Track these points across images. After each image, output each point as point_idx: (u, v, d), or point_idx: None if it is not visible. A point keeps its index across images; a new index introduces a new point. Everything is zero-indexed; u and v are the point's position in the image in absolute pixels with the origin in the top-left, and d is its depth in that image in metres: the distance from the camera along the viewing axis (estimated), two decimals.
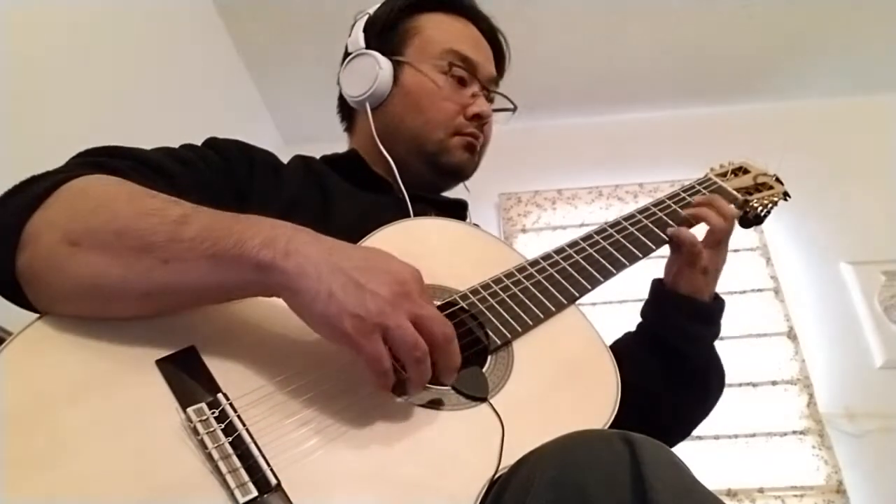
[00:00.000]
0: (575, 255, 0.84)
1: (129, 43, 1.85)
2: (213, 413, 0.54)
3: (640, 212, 0.93)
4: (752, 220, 1.00)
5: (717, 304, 0.90)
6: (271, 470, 0.51)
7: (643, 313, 0.93)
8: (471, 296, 0.75)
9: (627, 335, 0.93)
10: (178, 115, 2.04)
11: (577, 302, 0.80)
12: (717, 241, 0.89)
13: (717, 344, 0.91)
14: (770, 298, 2.59)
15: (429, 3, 1.00)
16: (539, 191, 2.92)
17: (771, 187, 1.01)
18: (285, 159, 0.95)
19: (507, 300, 0.76)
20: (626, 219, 0.91)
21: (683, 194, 0.97)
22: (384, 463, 0.56)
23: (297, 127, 2.93)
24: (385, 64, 0.95)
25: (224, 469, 0.50)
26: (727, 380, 0.92)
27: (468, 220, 1.01)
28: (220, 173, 0.80)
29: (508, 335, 0.72)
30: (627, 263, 0.85)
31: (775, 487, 2.26)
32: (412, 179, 0.94)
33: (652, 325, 0.91)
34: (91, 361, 0.56)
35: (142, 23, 1.93)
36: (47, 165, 0.66)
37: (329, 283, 0.55)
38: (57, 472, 0.48)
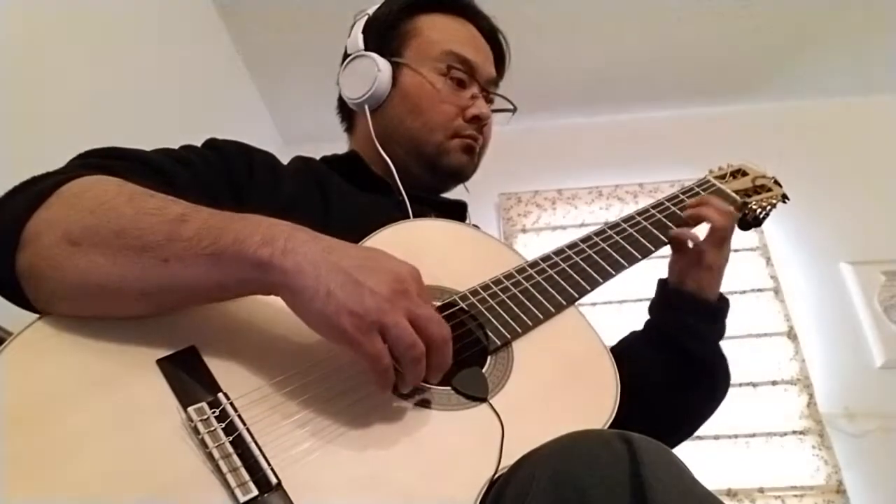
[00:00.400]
0: (574, 256, 0.84)
1: (129, 43, 1.85)
2: (213, 412, 0.54)
3: (639, 213, 0.93)
4: (750, 222, 1.01)
5: (724, 304, 0.91)
6: (272, 469, 0.51)
7: (650, 312, 0.94)
8: (470, 297, 0.75)
9: (634, 333, 0.94)
10: (178, 115, 2.04)
11: (577, 303, 0.80)
12: (721, 239, 0.89)
13: None
14: (770, 298, 2.60)
15: (428, 4, 1.00)
16: (539, 191, 2.92)
17: (769, 189, 1.01)
18: (285, 159, 0.95)
19: (507, 301, 0.76)
20: (625, 220, 0.92)
21: (682, 196, 0.97)
22: (384, 462, 0.56)
23: (297, 127, 2.93)
24: (384, 66, 0.95)
25: (224, 468, 0.51)
26: None
27: (468, 221, 1.01)
28: (220, 174, 0.80)
29: (508, 336, 0.72)
30: (626, 265, 0.85)
31: (775, 487, 2.26)
32: (412, 181, 0.94)
33: (660, 324, 0.91)
34: (92, 361, 0.56)
35: (142, 23, 1.93)
36: (48, 166, 0.66)
37: (327, 281, 0.55)
38: (58, 471, 0.49)
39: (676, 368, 0.87)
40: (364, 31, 1.00)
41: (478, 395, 0.64)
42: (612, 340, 0.93)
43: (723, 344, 0.91)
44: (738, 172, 1.05)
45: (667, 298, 0.92)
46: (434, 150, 0.94)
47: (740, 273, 2.56)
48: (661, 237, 0.90)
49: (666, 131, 2.95)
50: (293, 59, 2.63)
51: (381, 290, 0.56)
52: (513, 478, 0.54)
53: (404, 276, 0.58)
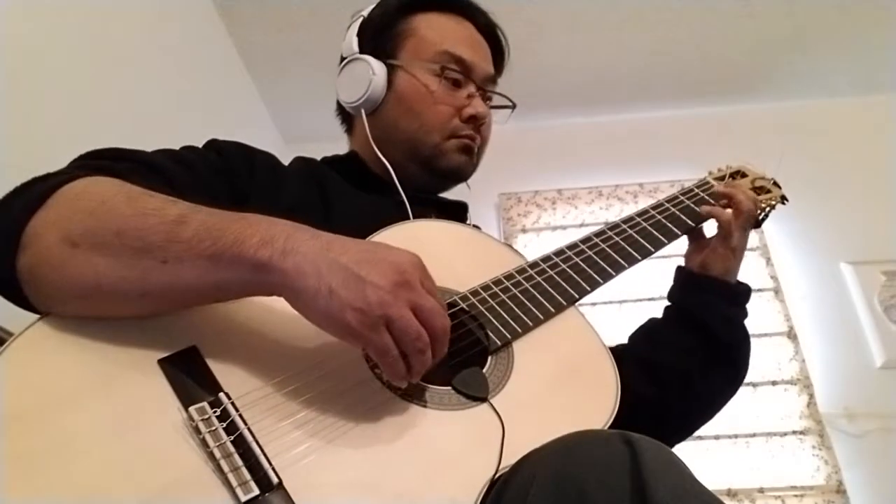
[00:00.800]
0: (574, 257, 0.85)
1: (129, 43, 1.85)
2: (214, 412, 0.54)
3: (639, 214, 0.94)
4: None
5: (746, 287, 0.93)
6: (273, 469, 0.52)
7: (672, 297, 0.94)
8: (471, 297, 0.75)
9: (655, 319, 0.94)
10: (179, 115, 2.04)
11: (578, 303, 0.80)
12: (746, 221, 0.93)
13: None
14: (770, 298, 2.60)
15: (423, 3, 0.99)
16: (539, 191, 2.92)
17: (769, 191, 1.02)
18: (285, 159, 0.95)
19: (507, 301, 0.76)
20: (625, 221, 0.92)
21: (682, 197, 0.97)
22: (385, 462, 0.57)
23: (297, 127, 2.93)
24: (378, 69, 0.94)
25: (226, 468, 0.51)
26: None
27: (468, 221, 1.01)
28: (221, 175, 0.80)
29: (508, 336, 0.72)
30: (626, 265, 0.86)
31: (775, 487, 2.26)
32: (411, 182, 0.93)
33: (687, 307, 0.91)
34: (93, 361, 0.56)
35: (142, 23, 1.93)
36: (48, 166, 0.66)
37: (328, 279, 0.55)
38: (59, 471, 0.49)
39: (704, 350, 0.87)
40: (359, 34, 0.99)
41: (478, 395, 0.65)
42: (613, 341, 0.93)
43: None
44: (738, 174, 1.05)
45: (694, 282, 0.92)
46: (431, 151, 0.94)
47: (740, 273, 2.55)
48: (661, 238, 0.90)
49: (666, 131, 2.95)
50: (293, 59, 2.63)
51: (382, 283, 0.55)
52: (513, 478, 0.54)
53: (405, 266, 0.58)
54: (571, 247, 0.86)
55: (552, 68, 2.77)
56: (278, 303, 0.58)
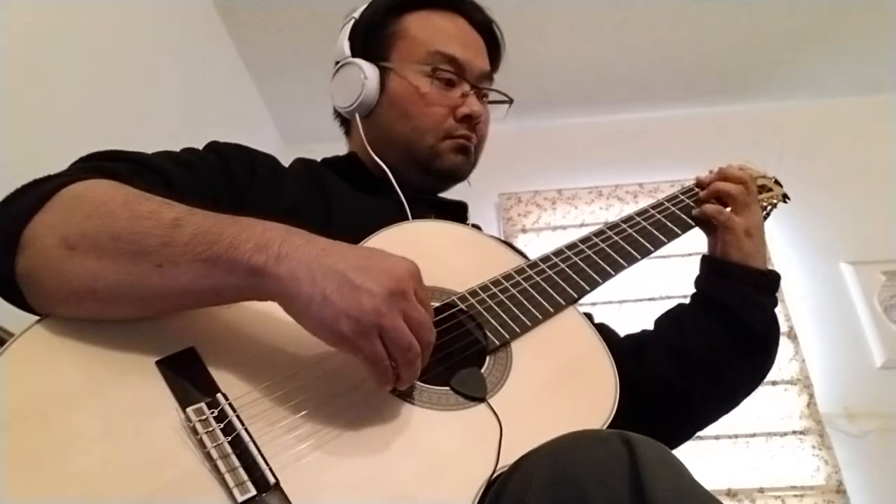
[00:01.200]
0: (573, 257, 0.85)
1: (129, 43, 1.85)
2: (212, 413, 0.54)
3: (638, 214, 0.94)
4: None
5: (775, 275, 0.91)
6: (270, 469, 0.52)
7: (698, 285, 0.93)
8: (469, 297, 0.75)
9: (682, 305, 0.93)
10: (179, 116, 2.04)
11: (577, 303, 0.80)
12: (744, 204, 0.91)
13: None
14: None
15: (413, 1, 0.97)
16: (539, 191, 2.92)
17: (770, 189, 1.02)
18: (285, 159, 0.95)
19: (506, 302, 0.76)
20: (624, 221, 0.92)
21: (682, 196, 0.97)
22: (383, 462, 0.57)
23: (297, 127, 2.93)
24: (370, 72, 0.93)
25: (223, 468, 0.51)
26: None
27: (468, 221, 1.01)
28: (221, 177, 0.80)
29: (507, 336, 0.72)
30: (626, 265, 0.86)
31: (775, 487, 2.26)
32: (409, 183, 0.93)
33: (711, 294, 0.90)
34: (91, 362, 0.56)
35: (142, 23, 1.93)
36: (48, 168, 0.66)
37: (323, 286, 0.55)
38: (57, 471, 0.49)
39: (734, 336, 0.86)
40: (350, 37, 0.98)
41: (476, 395, 0.65)
42: (632, 332, 0.93)
43: None
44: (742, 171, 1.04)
45: (716, 269, 0.91)
46: (426, 154, 0.93)
47: None
48: (661, 237, 0.90)
49: (666, 131, 2.95)
50: (293, 59, 2.63)
51: (377, 291, 0.55)
52: (511, 478, 0.54)
53: (401, 274, 0.58)
54: (570, 247, 0.86)
55: (552, 68, 2.77)
56: (276, 304, 0.58)
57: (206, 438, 0.52)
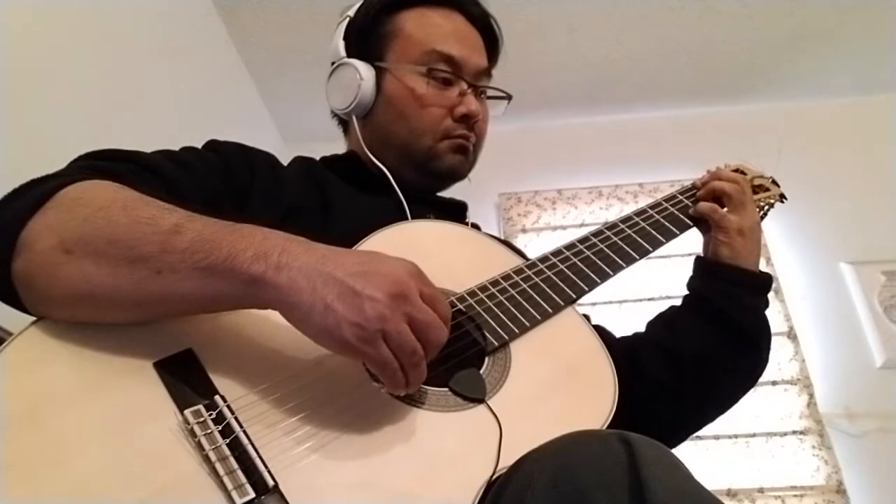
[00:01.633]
0: (572, 257, 0.84)
1: (128, 43, 1.85)
2: (210, 415, 0.54)
3: (637, 214, 0.94)
4: None
5: (767, 277, 0.92)
6: (269, 471, 0.52)
7: (690, 286, 0.93)
8: (468, 298, 0.75)
9: (674, 307, 0.93)
10: (178, 115, 2.04)
11: (577, 302, 0.80)
12: (739, 203, 0.92)
13: None
14: (770, 298, 2.59)
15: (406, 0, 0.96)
16: (539, 191, 2.92)
17: (767, 189, 1.02)
18: (285, 159, 0.94)
19: (505, 302, 0.76)
20: (623, 221, 0.92)
21: (680, 196, 0.97)
22: (382, 464, 0.56)
23: (297, 127, 2.93)
24: (366, 73, 0.93)
25: (221, 471, 0.51)
26: None
27: (467, 220, 1.00)
28: (221, 176, 0.80)
29: (506, 337, 0.72)
30: (624, 265, 0.86)
31: (775, 487, 2.26)
32: (408, 183, 0.93)
33: (703, 295, 0.90)
34: (88, 364, 0.56)
35: (142, 23, 1.93)
36: (48, 167, 0.66)
37: (324, 294, 0.54)
38: (56, 473, 0.49)
39: (724, 338, 0.87)
40: (345, 37, 0.97)
41: (475, 396, 0.65)
42: (625, 335, 0.93)
43: None
44: (736, 172, 1.05)
45: (708, 270, 0.92)
46: (424, 154, 0.92)
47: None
48: (659, 237, 0.90)
49: (666, 131, 2.95)
50: (293, 59, 2.63)
51: (379, 296, 0.55)
52: (511, 478, 0.54)
53: (402, 277, 0.57)
54: (569, 247, 0.86)
55: (552, 68, 2.77)
56: None
57: (204, 441, 0.52)
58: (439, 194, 1.00)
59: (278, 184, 0.85)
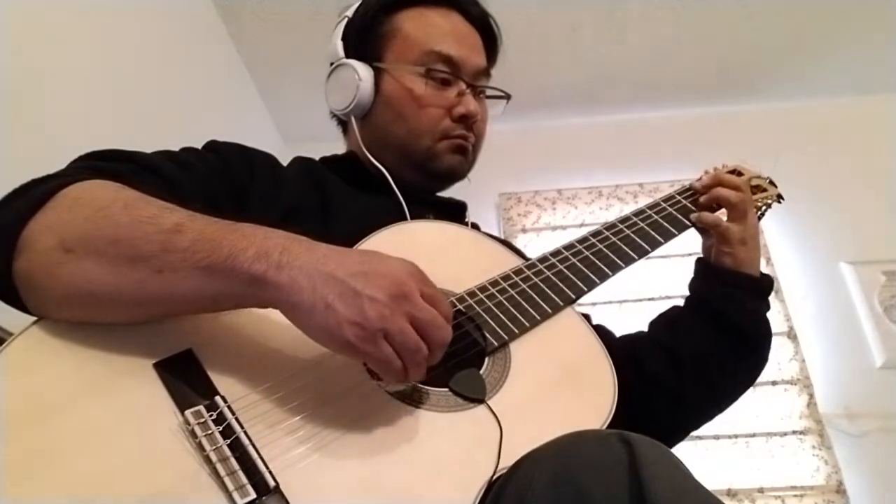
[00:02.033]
0: (571, 257, 0.84)
1: (128, 43, 1.85)
2: (210, 415, 0.54)
3: (636, 214, 0.94)
4: None
5: (768, 279, 0.92)
6: (270, 472, 0.52)
7: (692, 288, 0.93)
8: (468, 298, 0.75)
9: (676, 307, 0.93)
10: (178, 115, 2.04)
11: (577, 302, 0.80)
12: (742, 213, 0.91)
13: None
14: (770, 298, 2.59)
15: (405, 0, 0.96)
16: (539, 191, 2.92)
17: (765, 190, 1.02)
18: (285, 159, 0.94)
19: (504, 303, 0.76)
20: (622, 221, 0.92)
21: (678, 196, 0.97)
22: (382, 465, 0.56)
23: (297, 127, 2.93)
24: (365, 74, 0.92)
25: (222, 471, 0.51)
26: None
27: (467, 220, 1.00)
28: (221, 176, 0.80)
29: (505, 337, 0.72)
30: (623, 266, 0.86)
31: (775, 487, 2.26)
32: (408, 183, 0.93)
33: (705, 298, 0.90)
34: (89, 364, 0.56)
35: (142, 23, 1.93)
36: (48, 167, 0.66)
37: (325, 293, 0.54)
38: (56, 473, 0.49)
39: (725, 341, 0.87)
40: (344, 37, 0.97)
41: (475, 396, 0.65)
42: (626, 333, 0.93)
43: None
44: (734, 173, 1.04)
45: (711, 273, 0.92)
46: (423, 155, 0.92)
47: None
48: (658, 237, 0.90)
49: (666, 131, 2.95)
50: (293, 59, 2.63)
51: (380, 296, 0.55)
52: (512, 478, 0.54)
53: (403, 277, 0.57)
54: (568, 247, 0.86)
55: (552, 68, 2.77)
56: None
57: (204, 441, 0.52)
58: (439, 194, 1.00)
59: (278, 184, 0.85)
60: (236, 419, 0.55)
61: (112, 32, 1.76)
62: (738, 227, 0.90)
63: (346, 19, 0.99)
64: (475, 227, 0.97)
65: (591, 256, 0.85)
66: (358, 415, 0.59)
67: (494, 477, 0.57)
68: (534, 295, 0.78)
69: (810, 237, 2.69)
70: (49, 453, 0.50)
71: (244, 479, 0.50)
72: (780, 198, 1.03)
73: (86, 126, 1.53)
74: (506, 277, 0.79)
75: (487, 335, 0.71)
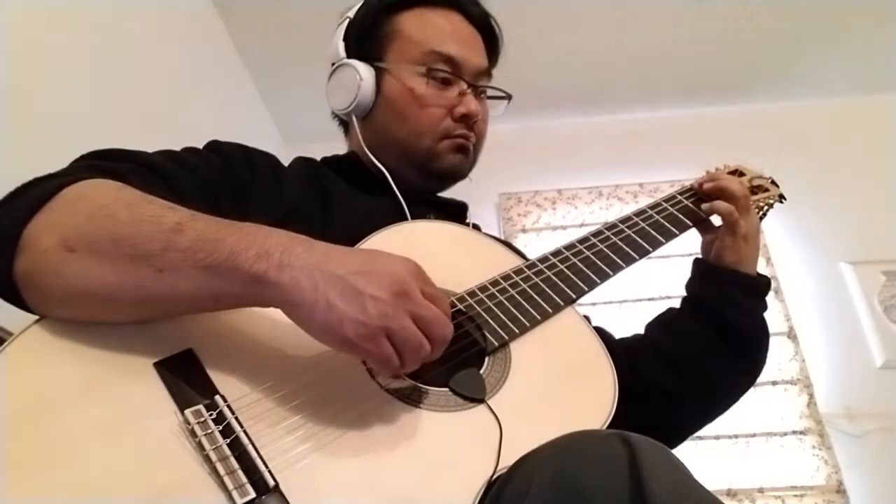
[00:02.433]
0: (572, 257, 0.85)
1: (128, 43, 1.85)
2: (210, 415, 0.54)
3: (636, 214, 0.94)
4: None
5: (766, 279, 0.92)
6: (269, 471, 0.52)
7: (689, 289, 0.94)
8: (468, 298, 0.75)
9: (672, 310, 0.94)
10: (179, 116, 2.04)
11: (577, 302, 0.80)
12: (746, 207, 0.92)
13: None
14: (770, 298, 2.58)
15: (406, 0, 0.96)
16: (539, 191, 2.92)
17: (767, 190, 1.02)
18: (285, 159, 0.95)
19: (505, 302, 0.76)
20: (622, 221, 0.92)
21: (679, 197, 0.97)
22: (382, 464, 0.57)
23: (297, 127, 2.93)
24: (366, 74, 0.93)
25: (222, 470, 0.51)
26: None
27: (468, 221, 1.00)
28: (222, 176, 0.80)
29: (506, 337, 0.72)
30: (623, 265, 0.86)
31: (775, 487, 2.26)
32: (409, 183, 0.93)
33: (703, 299, 0.91)
34: (89, 364, 0.56)
35: (142, 23, 1.93)
36: (48, 167, 0.66)
37: (326, 292, 0.55)
38: (56, 473, 0.49)
39: (723, 342, 0.87)
40: (345, 38, 0.97)
41: (475, 396, 0.65)
42: (623, 336, 0.93)
43: None
44: (735, 173, 1.05)
45: (710, 273, 0.92)
46: (424, 155, 0.92)
47: None
48: (659, 237, 0.90)
49: (666, 131, 2.95)
50: (293, 59, 2.63)
51: (381, 294, 0.55)
52: (511, 478, 0.54)
53: (404, 275, 0.57)
54: (568, 247, 0.86)
55: (552, 68, 2.77)
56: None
57: (204, 441, 0.52)
58: (440, 194, 1.00)
59: (279, 184, 0.85)
60: (236, 418, 0.55)
61: (112, 32, 1.76)
62: (743, 221, 0.91)
63: (347, 20, 0.99)
64: (476, 228, 0.97)
65: (591, 256, 0.85)
66: (358, 414, 0.59)
67: (494, 477, 0.57)
68: (534, 294, 0.78)
69: (810, 237, 2.69)
70: (49, 452, 0.49)
71: (243, 479, 0.50)
72: (782, 198, 1.03)
73: (86, 126, 1.53)
74: (506, 277, 0.79)
75: (488, 335, 0.72)
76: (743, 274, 0.90)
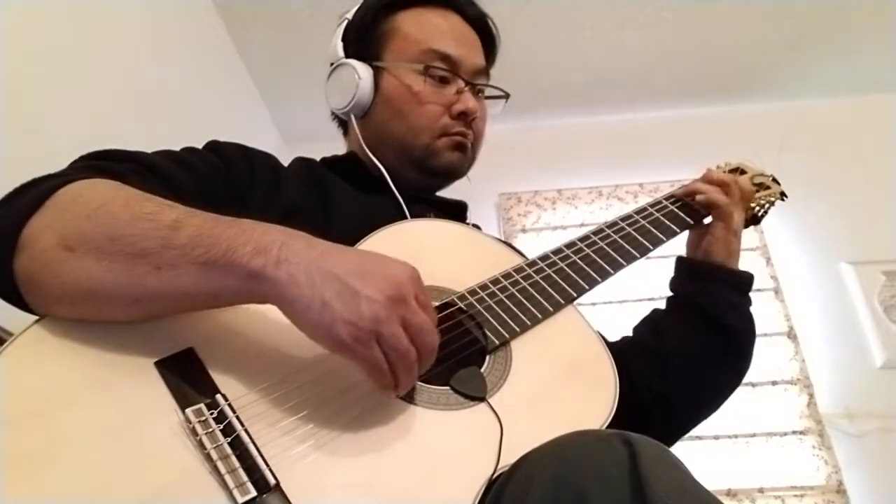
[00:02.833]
0: (572, 255, 0.85)
1: (128, 43, 1.85)
2: (211, 414, 0.54)
3: (637, 212, 0.94)
4: (749, 220, 1.01)
5: (749, 275, 0.93)
6: (270, 470, 0.52)
7: (675, 287, 0.94)
8: (469, 296, 0.75)
9: (658, 310, 0.94)
10: (178, 116, 2.04)
11: (577, 302, 0.80)
12: (737, 202, 0.93)
13: None
14: (770, 298, 2.60)
15: (404, 0, 0.97)
16: (539, 191, 2.92)
17: (768, 187, 1.02)
18: (285, 159, 0.95)
19: (505, 301, 0.76)
20: (623, 219, 0.92)
21: (679, 195, 0.97)
22: (382, 463, 0.56)
23: (297, 127, 2.93)
24: (364, 73, 0.93)
25: (223, 469, 0.51)
26: None
27: (468, 220, 1.00)
28: (221, 176, 0.80)
29: (507, 335, 0.72)
30: (625, 264, 0.86)
31: (775, 487, 2.26)
32: (408, 182, 0.93)
33: (691, 297, 0.91)
34: (90, 363, 0.56)
35: (142, 23, 1.93)
36: (48, 167, 0.66)
37: (322, 290, 0.54)
38: (56, 471, 0.49)
39: (710, 338, 0.87)
40: (343, 38, 0.98)
41: (476, 394, 0.65)
42: (614, 338, 0.93)
43: None
44: (737, 171, 1.05)
45: (697, 271, 0.92)
46: (422, 153, 0.93)
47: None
48: (660, 235, 0.90)
49: (666, 131, 2.95)
50: (293, 59, 2.63)
51: (377, 297, 0.55)
52: (512, 477, 0.54)
53: (401, 280, 0.57)
54: (569, 246, 0.86)
55: (553, 68, 2.77)
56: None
57: (205, 440, 0.52)
58: (440, 194, 1.00)
59: (279, 184, 0.85)
60: (237, 417, 0.54)
61: (112, 32, 1.76)
62: (736, 214, 0.92)
63: (346, 21, 1.00)
64: (476, 227, 0.97)
65: (592, 254, 0.85)
66: (359, 413, 0.59)
67: (495, 475, 0.57)
68: (535, 293, 0.78)
69: (810, 237, 2.69)
70: (50, 451, 0.49)
71: (244, 477, 0.50)
72: (783, 195, 1.03)
73: (86, 127, 1.53)
74: (507, 275, 0.79)
75: (488, 333, 0.72)
76: (729, 269, 0.91)
